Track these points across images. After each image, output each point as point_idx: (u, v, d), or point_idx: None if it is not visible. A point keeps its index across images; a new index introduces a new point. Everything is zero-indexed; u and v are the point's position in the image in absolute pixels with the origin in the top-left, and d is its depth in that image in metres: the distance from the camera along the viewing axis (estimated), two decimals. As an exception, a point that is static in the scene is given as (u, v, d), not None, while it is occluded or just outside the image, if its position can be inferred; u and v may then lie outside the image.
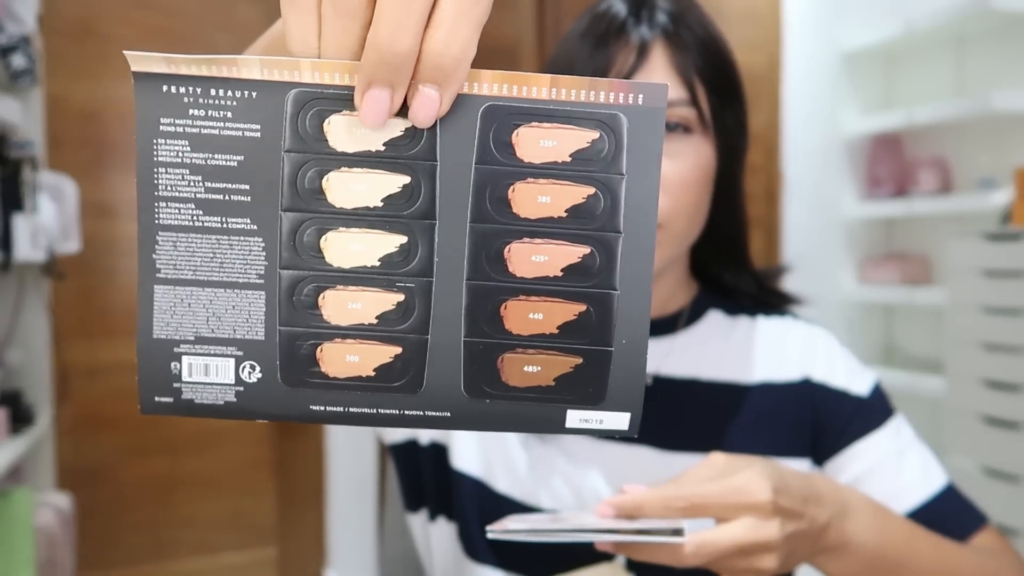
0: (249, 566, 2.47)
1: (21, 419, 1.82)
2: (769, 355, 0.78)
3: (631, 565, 0.69)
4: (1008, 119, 2.56)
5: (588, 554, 0.67)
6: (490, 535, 0.56)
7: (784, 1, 2.98)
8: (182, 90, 0.36)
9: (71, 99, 2.26)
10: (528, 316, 0.39)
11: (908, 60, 2.99)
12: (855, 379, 0.78)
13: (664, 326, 0.79)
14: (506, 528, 0.56)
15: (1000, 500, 2.20)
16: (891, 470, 0.74)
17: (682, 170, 0.68)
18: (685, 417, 0.75)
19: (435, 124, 0.37)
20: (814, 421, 0.76)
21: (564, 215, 0.38)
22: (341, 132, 0.37)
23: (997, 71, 2.65)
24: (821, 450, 0.76)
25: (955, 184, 2.78)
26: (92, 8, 2.27)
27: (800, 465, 0.75)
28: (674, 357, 0.78)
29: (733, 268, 0.81)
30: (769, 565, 0.55)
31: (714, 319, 0.80)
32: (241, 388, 0.39)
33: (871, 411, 0.76)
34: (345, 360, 0.39)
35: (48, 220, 1.82)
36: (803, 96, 2.98)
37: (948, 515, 0.73)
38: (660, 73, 0.68)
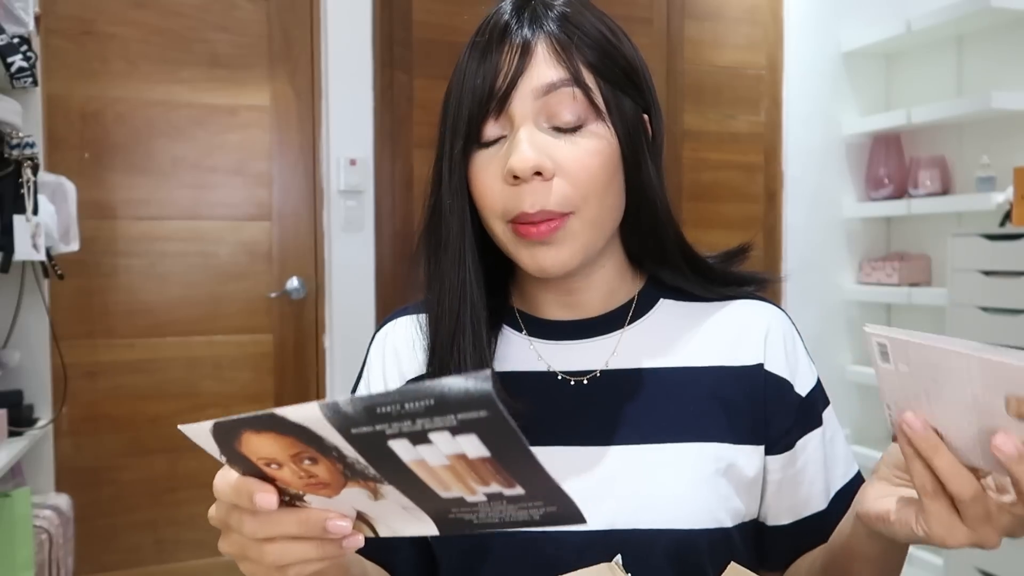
0: (249, 566, 2.47)
1: (21, 419, 1.81)
2: (723, 340, 0.78)
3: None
4: (1008, 119, 2.56)
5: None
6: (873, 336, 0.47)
7: (784, 1, 2.98)
8: None
9: (71, 99, 2.26)
10: None
11: (908, 60, 2.99)
12: (801, 374, 0.78)
13: (611, 322, 0.78)
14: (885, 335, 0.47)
15: (1000, 500, 2.19)
16: (821, 466, 0.77)
17: (579, 153, 0.69)
18: (636, 406, 0.74)
19: None
20: (765, 410, 0.76)
21: None
22: None
23: (997, 71, 2.65)
24: (769, 441, 0.76)
25: (955, 184, 2.78)
26: (91, 8, 2.27)
27: (755, 452, 0.75)
28: (623, 351, 0.77)
29: (668, 268, 0.79)
30: None
31: (665, 308, 0.80)
32: None
33: (812, 409, 0.78)
34: None
35: (48, 220, 1.81)
36: (803, 96, 2.98)
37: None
38: (543, 64, 0.69)
